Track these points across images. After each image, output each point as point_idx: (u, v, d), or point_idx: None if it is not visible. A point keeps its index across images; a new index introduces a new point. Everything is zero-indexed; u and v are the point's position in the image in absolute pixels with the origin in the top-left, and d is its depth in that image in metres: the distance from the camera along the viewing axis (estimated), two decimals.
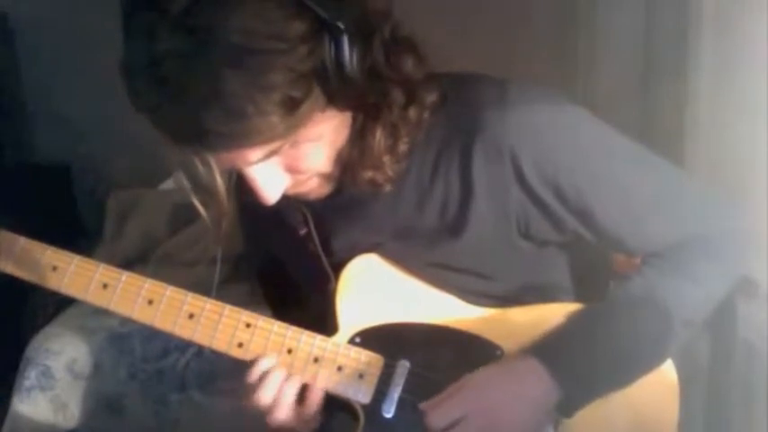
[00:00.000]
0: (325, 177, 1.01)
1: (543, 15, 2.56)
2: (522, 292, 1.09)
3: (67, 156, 2.90)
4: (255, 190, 0.94)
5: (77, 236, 2.62)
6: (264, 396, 1.02)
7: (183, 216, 2.55)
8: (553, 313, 1.07)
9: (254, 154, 0.90)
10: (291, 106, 0.86)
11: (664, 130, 1.86)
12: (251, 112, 0.84)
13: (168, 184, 2.78)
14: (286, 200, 1.01)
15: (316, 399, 1.05)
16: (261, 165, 0.92)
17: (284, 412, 1.03)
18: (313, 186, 1.01)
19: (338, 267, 1.08)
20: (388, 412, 1.04)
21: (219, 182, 0.94)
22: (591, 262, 1.15)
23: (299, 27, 0.84)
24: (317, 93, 0.88)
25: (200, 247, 2.35)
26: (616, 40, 2.07)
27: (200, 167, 0.92)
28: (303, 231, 1.09)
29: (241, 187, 0.98)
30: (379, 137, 0.97)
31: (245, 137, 0.86)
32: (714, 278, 1.07)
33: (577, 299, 1.14)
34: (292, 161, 0.94)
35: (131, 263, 2.30)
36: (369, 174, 0.99)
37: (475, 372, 1.02)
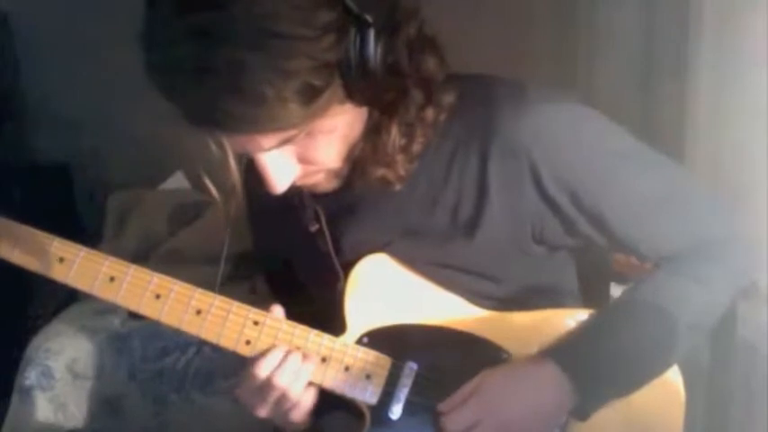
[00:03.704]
0: (334, 172, 1.00)
1: (543, 15, 2.56)
2: (530, 295, 1.08)
3: (67, 156, 2.90)
4: (265, 177, 0.93)
5: (77, 236, 2.61)
6: (282, 378, 1.00)
7: (183, 216, 2.55)
8: (560, 318, 1.07)
9: (268, 141, 0.89)
10: (310, 95, 0.85)
11: (664, 130, 1.86)
12: (270, 97, 0.83)
13: (168, 184, 2.78)
14: (298, 196, 1.00)
15: (309, 399, 1.04)
16: (273, 152, 0.91)
17: (284, 403, 1.01)
18: (320, 180, 1.00)
19: (347, 266, 1.07)
20: (395, 414, 1.03)
21: (233, 164, 0.93)
22: (591, 262, 1.15)
23: (327, 16, 0.84)
24: (337, 84, 0.87)
25: (202, 245, 2.35)
26: (616, 40, 2.06)
27: (213, 148, 0.91)
28: (314, 228, 1.09)
29: (249, 177, 0.97)
30: (393, 135, 0.97)
31: (261, 122, 0.85)
32: (722, 282, 1.07)
33: (583, 302, 1.14)
34: (304, 152, 0.94)
35: (131, 263, 2.30)
36: (380, 171, 0.99)
37: (491, 371, 1.02)
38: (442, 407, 1.01)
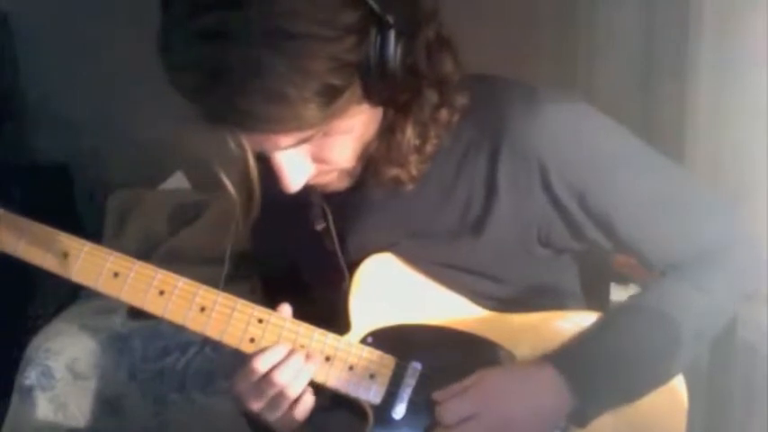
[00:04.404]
0: (347, 172, 1.00)
1: (544, 16, 2.57)
2: (533, 296, 1.08)
3: (67, 156, 2.91)
4: (280, 176, 0.93)
5: (77, 236, 2.61)
6: (282, 375, 1.00)
7: (183, 216, 2.55)
8: (563, 319, 1.07)
9: (286, 140, 0.89)
10: (330, 96, 0.85)
11: (664, 130, 1.86)
12: (290, 98, 0.83)
13: (168, 184, 2.78)
14: (306, 194, 1.00)
15: (309, 401, 1.04)
16: (289, 151, 0.91)
17: (284, 401, 1.01)
18: (332, 179, 1.00)
19: (352, 265, 1.07)
20: (398, 413, 1.03)
21: (252, 163, 0.92)
22: (591, 262, 1.15)
23: (349, 17, 0.83)
24: (356, 85, 0.87)
25: (202, 245, 2.35)
26: (616, 40, 2.07)
27: (233, 147, 0.91)
28: (320, 227, 1.09)
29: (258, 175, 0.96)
30: (408, 135, 0.97)
31: (280, 122, 0.85)
32: (726, 289, 1.07)
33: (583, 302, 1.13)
34: (320, 151, 0.94)
35: None
36: (393, 171, 0.99)
37: (491, 369, 1.02)
38: (438, 396, 1.01)
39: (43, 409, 2.02)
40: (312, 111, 0.84)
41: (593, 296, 1.14)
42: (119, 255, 1.06)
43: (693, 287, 1.05)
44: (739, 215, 1.13)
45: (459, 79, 0.98)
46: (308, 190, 0.99)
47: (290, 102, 0.83)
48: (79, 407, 2.03)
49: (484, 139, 1.00)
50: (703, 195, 1.09)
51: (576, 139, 0.99)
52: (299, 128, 0.87)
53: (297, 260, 1.17)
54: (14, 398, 2.03)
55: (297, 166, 0.93)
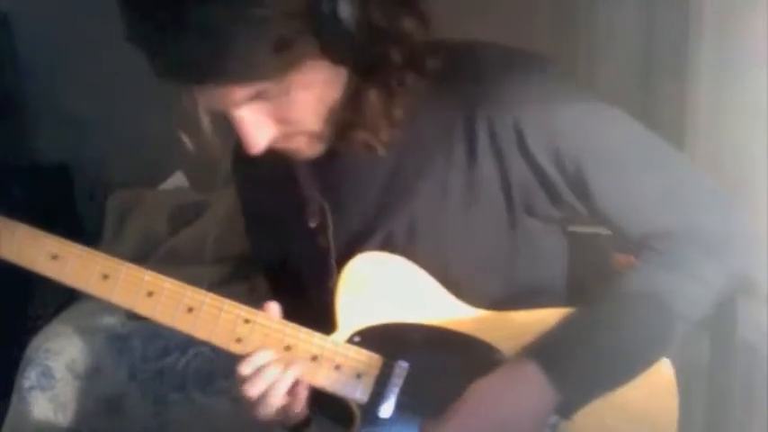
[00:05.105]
0: (316, 136, 1.00)
1: (543, 15, 2.57)
2: (522, 296, 1.08)
3: (67, 156, 2.91)
4: (242, 135, 0.94)
5: (77, 236, 2.61)
6: (253, 389, 1.01)
7: (183, 216, 2.55)
8: (553, 318, 1.06)
9: (241, 92, 0.90)
10: (280, 45, 0.86)
11: (664, 130, 1.85)
12: (239, 46, 0.84)
13: (168, 184, 2.78)
14: (301, 190, 1.00)
15: (303, 394, 1.04)
16: (249, 110, 0.92)
17: (270, 408, 1.01)
18: (301, 144, 1.00)
19: (340, 261, 1.07)
20: (385, 413, 1.03)
21: (207, 123, 0.94)
22: (591, 262, 1.15)
23: None
24: (310, 37, 0.88)
25: (202, 245, 2.35)
26: (616, 40, 2.07)
27: (188, 108, 0.92)
28: (314, 224, 1.09)
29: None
30: (373, 98, 0.96)
31: (231, 72, 0.87)
32: (714, 276, 1.05)
33: (578, 299, 1.13)
34: (280, 110, 0.94)
35: (131, 263, 2.30)
36: (362, 135, 0.98)
37: (474, 386, 1.00)
38: (425, 427, 0.99)
39: (43, 409, 2.01)
40: (263, 60, 0.86)
41: (593, 296, 1.14)
42: (107, 257, 1.06)
43: (675, 270, 1.03)
44: (733, 202, 1.11)
45: (433, 44, 0.97)
46: (303, 186, 0.99)
47: (240, 50, 0.84)
48: (79, 407, 2.03)
49: (460, 105, 0.99)
50: (689, 173, 1.08)
51: (551, 100, 1.00)
52: (252, 77, 0.88)
53: (291, 258, 1.17)
54: (14, 398, 2.03)
55: (258, 125, 0.94)
